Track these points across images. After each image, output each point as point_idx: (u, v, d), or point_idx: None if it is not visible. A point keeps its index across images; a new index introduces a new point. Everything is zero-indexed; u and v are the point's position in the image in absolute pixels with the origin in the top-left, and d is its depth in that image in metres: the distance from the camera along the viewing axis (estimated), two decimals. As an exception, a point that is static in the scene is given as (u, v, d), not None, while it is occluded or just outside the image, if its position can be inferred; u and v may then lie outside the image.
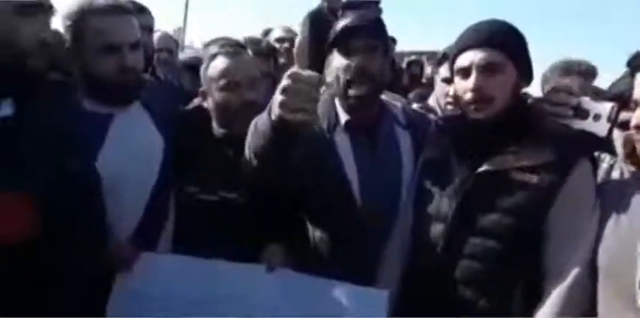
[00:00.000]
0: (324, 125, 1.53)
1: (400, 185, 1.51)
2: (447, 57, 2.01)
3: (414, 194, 1.46)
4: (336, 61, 1.51)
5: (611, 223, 1.22)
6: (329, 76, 1.56)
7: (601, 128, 1.27)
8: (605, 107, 1.28)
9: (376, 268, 1.47)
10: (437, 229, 1.35)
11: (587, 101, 1.32)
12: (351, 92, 1.47)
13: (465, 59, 1.33)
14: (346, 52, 1.48)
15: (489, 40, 1.31)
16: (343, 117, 1.54)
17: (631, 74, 1.20)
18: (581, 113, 1.31)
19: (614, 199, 1.24)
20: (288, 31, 3.26)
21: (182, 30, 12.43)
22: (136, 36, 1.50)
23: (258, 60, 1.89)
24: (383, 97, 1.62)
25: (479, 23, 1.37)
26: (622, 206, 1.21)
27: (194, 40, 13.44)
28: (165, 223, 1.55)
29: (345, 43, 1.48)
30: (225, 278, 1.44)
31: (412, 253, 1.42)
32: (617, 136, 1.39)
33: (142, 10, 2.25)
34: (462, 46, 1.35)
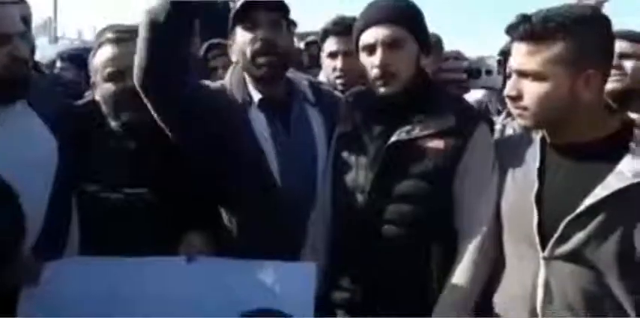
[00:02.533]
0: (239, 101, 1.50)
1: (315, 162, 1.52)
2: (328, 33, 2.03)
3: (331, 168, 1.49)
4: (240, 37, 1.48)
5: (509, 176, 1.33)
6: (234, 55, 1.53)
7: (496, 82, 1.38)
8: (494, 60, 1.39)
9: (300, 243, 1.48)
10: (357, 199, 1.39)
11: (475, 61, 1.43)
12: (260, 60, 1.45)
13: (369, 36, 1.37)
14: (250, 26, 1.46)
15: (392, 17, 1.35)
16: (256, 95, 1.51)
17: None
18: (474, 73, 1.41)
19: (509, 154, 1.35)
20: None
21: (53, 20, 11.39)
22: (23, 25, 1.38)
23: None
24: (290, 75, 1.61)
25: (379, 0, 1.41)
26: (517, 160, 1.32)
27: (66, 31, 12.42)
28: (69, 229, 1.44)
29: (248, 16, 1.46)
30: (145, 274, 1.38)
31: (335, 224, 1.46)
32: None
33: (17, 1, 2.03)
34: (365, 23, 1.39)
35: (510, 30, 1.20)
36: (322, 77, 2.21)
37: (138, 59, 1.31)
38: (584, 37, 1.15)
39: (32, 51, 2.09)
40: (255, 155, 1.46)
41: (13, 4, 1.36)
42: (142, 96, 1.35)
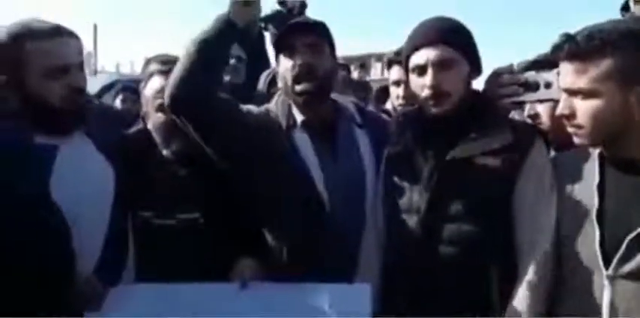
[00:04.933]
0: (284, 125, 1.52)
1: (364, 183, 1.51)
2: (392, 62, 2.10)
3: (382, 190, 1.48)
4: (282, 63, 1.52)
5: (568, 194, 1.29)
6: (280, 81, 1.56)
7: (556, 94, 1.31)
8: (553, 74, 1.33)
9: (353, 267, 1.47)
10: (411, 220, 1.38)
11: (533, 74, 1.39)
12: (298, 88, 1.48)
13: (419, 57, 1.38)
14: (290, 52, 1.49)
15: (441, 38, 1.36)
16: (299, 117, 1.53)
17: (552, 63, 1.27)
18: (532, 86, 1.38)
19: (568, 171, 1.32)
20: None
21: (93, 55, 11.91)
22: (81, 57, 1.44)
23: None
24: (336, 98, 1.63)
25: (428, 21, 1.42)
26: (575, 177, 1.29)
27: (105, 65, 12.98)
28: (127, 254, 1.48)
29: (288, 42, 1.49)
30: (199, 301, 1.38)
31: (389, 247, 1.45)
32: None
33: (75, 36, 2.15)
34: (415, 44, 1.40)
35: (555, 50, 1.19)
36: (388, 105, 2.26)
37: (174, 81, 1.37)
38: (633, 52, 1.12)
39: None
40: (302, 178, 1.46)
41: (68, 36, 1.41)
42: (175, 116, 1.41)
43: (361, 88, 3.55)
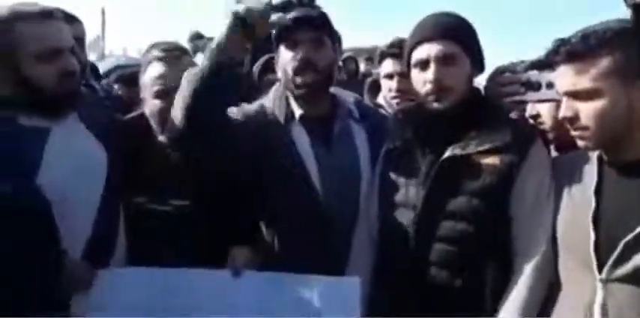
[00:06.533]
0: (281, 119, 1.52)
1: (358, 177, 1.51)
2: (385, 55, 2.07)
3: (378, 185, 1.47)
4: (282, 55, 1.51)
5: (565, 196, 1.28)
6: (279, 72, 1.55)
7: (557, 94, 1.29)
8: (555, 74, 1.30)
9: (344, 260, 1.46)
10: (407, 216, 1.37)
11: (535, 74, 1.38)
12: (298, 80, 1.48)
13: (422, 52, 1.36)
14: (292, 45, 1.48)
15: (445, 33, 1.35)
16: (297, 111, 1.53)
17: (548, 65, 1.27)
18: (533, 86, 1.37)
19: (566, 173, 1.30)
20: None
21: (101, 38, 11.86)
22: (72, 41, 1.42)
23: None
24: (336, 92, 1.62)
25: (432, 16, 1.41)
26: (574, 179, 1.27)
27: (113, 48, 12.88)
28: (116, 238, 1.47)
29: (290, 35, 1.48)
30: (191, 286, 1.39)
31: (381, 241, 1.44)
32: None
33: (74, 20, 2.14)
34: (418, 39, 1.38)
35: (551, 55, 1.20)
36: (380, 99, 2.23)
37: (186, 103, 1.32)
38: (631, 48, 1.13)
39: (83, 68, 2.17)
40: (297, 170, 1.47)
41: (59, 20, 1.39)
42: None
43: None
